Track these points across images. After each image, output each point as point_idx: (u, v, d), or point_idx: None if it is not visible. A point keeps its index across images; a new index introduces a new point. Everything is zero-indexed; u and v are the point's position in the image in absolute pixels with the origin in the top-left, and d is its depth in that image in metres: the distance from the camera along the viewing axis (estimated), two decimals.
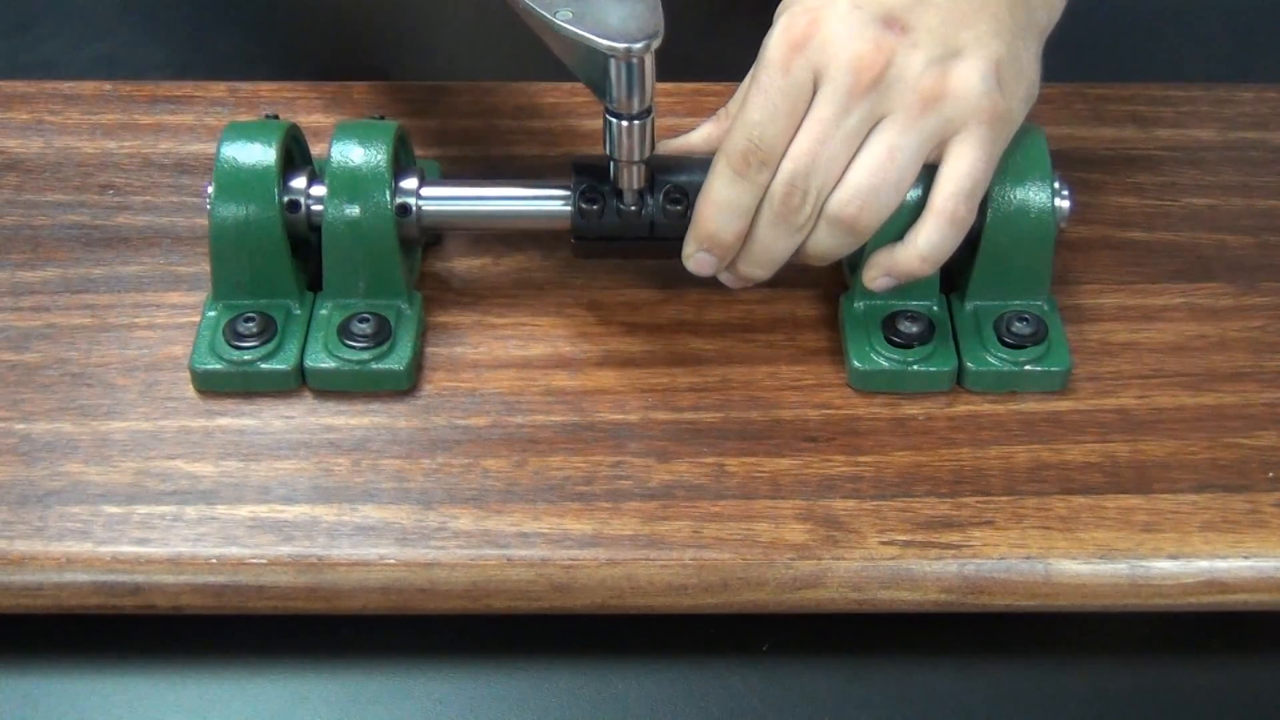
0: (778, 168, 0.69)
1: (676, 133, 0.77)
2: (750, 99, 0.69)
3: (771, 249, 0.71)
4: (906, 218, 0.71)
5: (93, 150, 0.85)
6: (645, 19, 0.67)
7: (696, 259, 0.72)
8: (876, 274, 0.73)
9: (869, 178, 0.69)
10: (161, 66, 0.96)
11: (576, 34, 0.66)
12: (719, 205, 0.70)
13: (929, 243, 0.71)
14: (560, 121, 0.87)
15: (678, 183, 0.73)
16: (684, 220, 0.72)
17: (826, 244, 0.71)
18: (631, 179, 0.72)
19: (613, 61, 0.67)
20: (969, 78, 0.69)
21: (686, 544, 0.67)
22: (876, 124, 0.69)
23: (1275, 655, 0.70)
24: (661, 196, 0.73)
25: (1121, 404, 0.73)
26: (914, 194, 0.71)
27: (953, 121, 0.69)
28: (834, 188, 0.69)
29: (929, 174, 0.70)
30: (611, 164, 0.72)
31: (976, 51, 0.69)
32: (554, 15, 0.67)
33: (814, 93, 0.68)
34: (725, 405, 0.73)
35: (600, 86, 0.69)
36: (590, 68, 0.68)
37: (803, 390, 0.73)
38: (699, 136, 0.76)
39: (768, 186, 0.69)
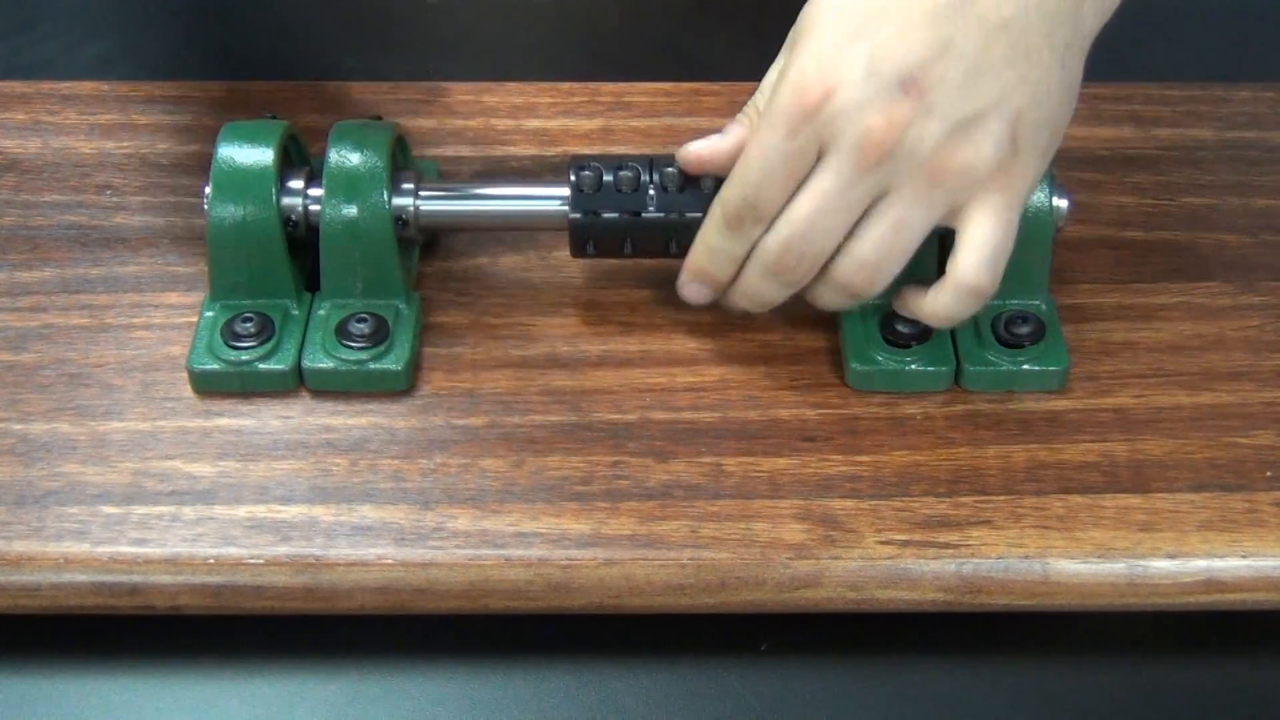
0: (773, 223, 0.69)
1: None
2: (750, 153, 0.68)
3: (762, 295, 0.72)
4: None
5: (90, 150, 0.85)
6: None
7: (690, 289, 0.73)
8: (899, 306, 0.73)
9: (874, 250, 0.68)
10: (159, 67, 0.96)
11: None
12: (711, 250, 0.71)
13: (949, 311, 0.70)
14: (557, 122, 0.87)
15: (677, 169, 0.72)
16: (679, 201, 0.72)
17: (827, 298, 0.71)
18: None
19: None
20: (982, 149, 0.66)
21: (684, 544, 0.67)
22: (883, 194, 0.67)
23: (1273, 654, 0.70)
24: (660, 176, 0.72)
25: (1119, 403, 0.73)
26: None
27: (963, 194, 0.67)
28: (835, 254, 0.69)
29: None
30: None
31: (994, 113, 0.66)
32: None
33: (818, 158, 0.67)
34: (723, 405, 0.73)
35: None
36: None
37: (800, 390, 0.73)
38: (730, 143, 0.71)
39: (760, 238, 0.69)
